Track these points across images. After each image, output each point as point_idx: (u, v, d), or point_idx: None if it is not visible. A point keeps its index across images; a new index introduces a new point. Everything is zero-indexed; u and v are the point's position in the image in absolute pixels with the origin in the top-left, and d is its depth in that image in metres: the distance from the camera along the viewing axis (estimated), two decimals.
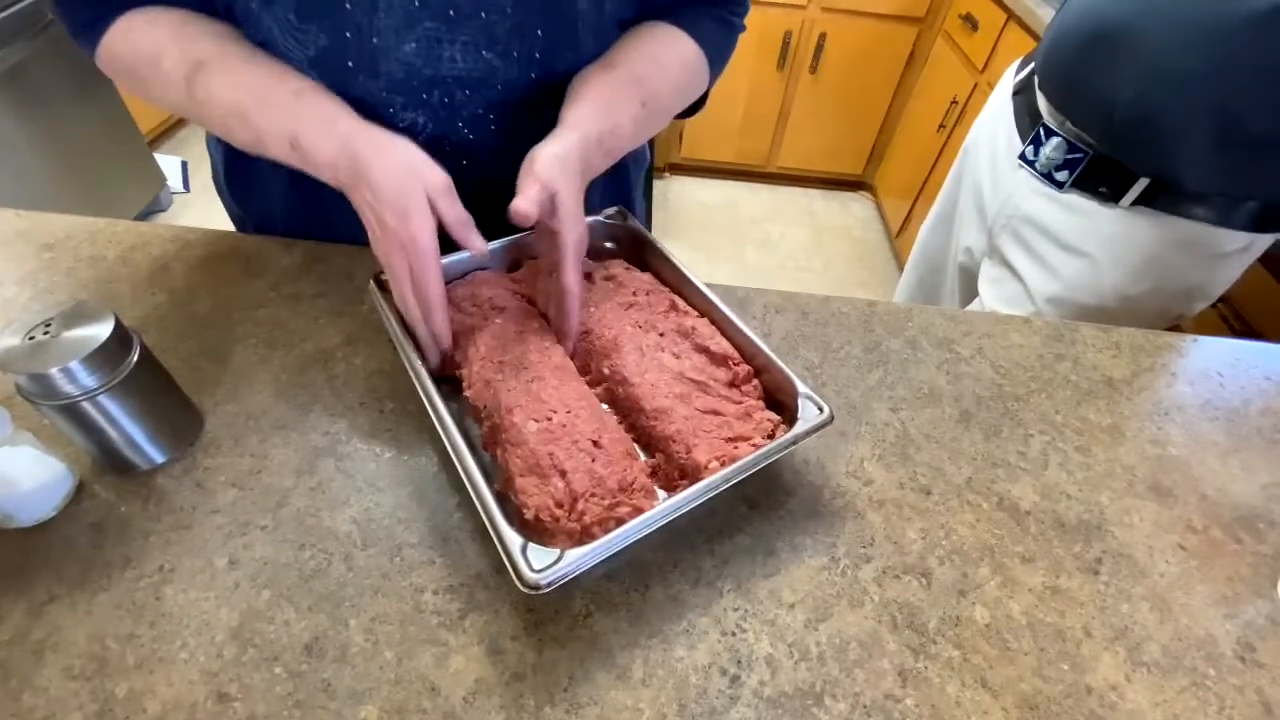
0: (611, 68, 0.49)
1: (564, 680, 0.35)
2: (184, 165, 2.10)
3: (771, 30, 1.94)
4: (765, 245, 2.16)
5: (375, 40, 0.44)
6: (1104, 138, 0.67)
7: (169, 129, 2.28)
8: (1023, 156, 0.75)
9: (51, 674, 0.34)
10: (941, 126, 1.78)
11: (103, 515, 0.40)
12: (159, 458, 0.42)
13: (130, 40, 0.45)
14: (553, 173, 0.41)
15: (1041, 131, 0.73)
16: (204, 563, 0.38)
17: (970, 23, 1.69)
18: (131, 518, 0.40)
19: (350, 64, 0.44)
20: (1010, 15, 1.49)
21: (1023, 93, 0.78)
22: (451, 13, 0.44)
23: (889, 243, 2.19)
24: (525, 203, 0.40)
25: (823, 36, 1.96)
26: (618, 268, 0.52)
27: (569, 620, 0.37)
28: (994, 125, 0.83)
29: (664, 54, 0.52)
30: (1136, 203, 0.67)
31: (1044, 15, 1.35)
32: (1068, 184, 0.71)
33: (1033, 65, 0.76)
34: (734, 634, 0.38)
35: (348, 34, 0.43)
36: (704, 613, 0.38)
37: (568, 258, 0.43)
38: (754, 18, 1.98)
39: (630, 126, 0.48)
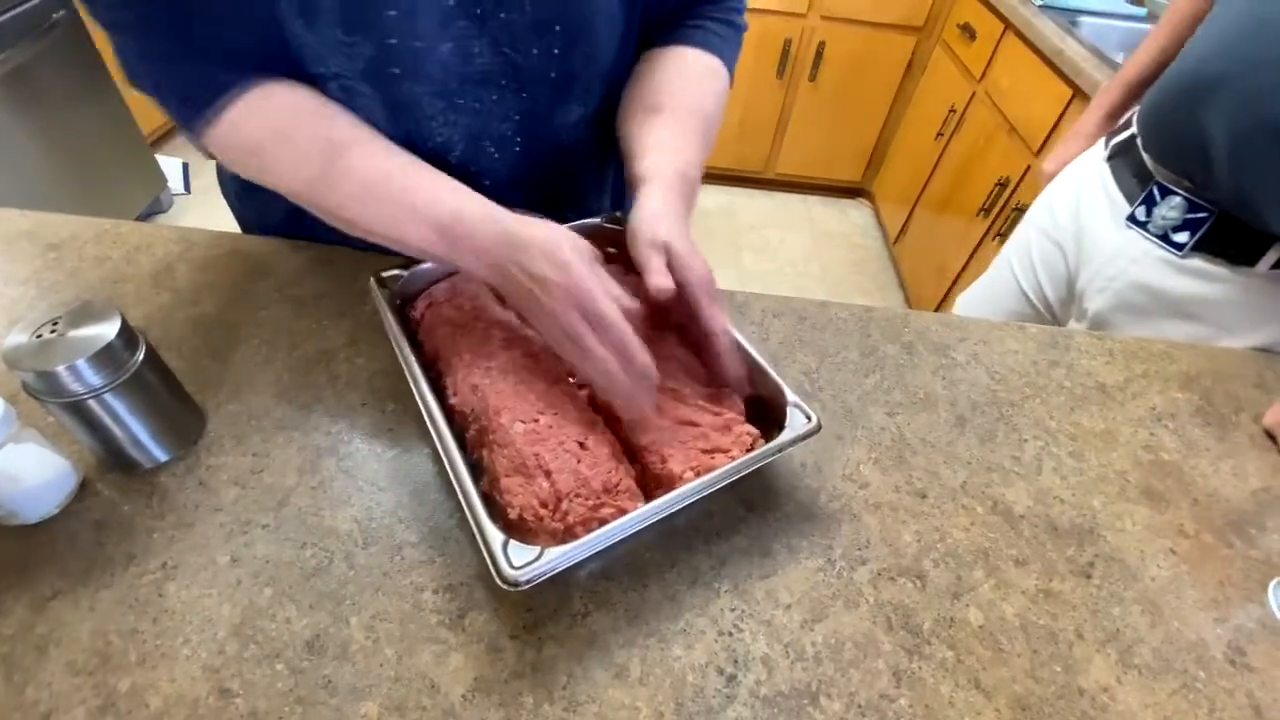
0: (658, 110, 0.51)
1: (562, 679, 0.35)
2: (185, 167, 2.10)
3: (771, 38, 1.96)
4: (763, 251, 2.17)
5: (417, 43, 0.44)
6: (1213, 194, 0.63)
7: (171, 131, 2.29)
8: (1132, 218, 0.70)
9: (55, 669, 0.34)
10: (939, 135, 1.79)
11: (106, 513, 0.40)
12: (162, 456, 0.43)
13: (264, 116, 0.44)
14: (659, 229, 0.42)
15: (1155, 190, 0.68)
16: (206, 560, 0.39)
17: (968, 32, 1.71)
18: (134, 515, 0.40)
19: (397, 70, 0.45)
20: (1008, 25, 1.51)
21: (1121, 155, 0.74)
22: (479, 11, 0.45)
23: (887, 249, 2.21)
24: (658, 277, 0.41)
25: (822, 44, 1.97)
26: (614, 273, 0.53)
27: (567, 619, 0.38)
28: (1075, 193, 0.79)
29: (693, 73, 0.55)
30: (1277, 266, 0.62)
31: (1041, 26, 1.36)
32: (1189, 246, 0.65)
33: (1131, 130, 0.73)
34: (731, 634, 0.38)
35: (393, 40, 0.44)
36: (701, 613, 0.39)
37: (701, 298, 0.42)
38: (754, 25, 2.00)
39: (698, 152, 0.51)
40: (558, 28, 0.48)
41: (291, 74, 0.45)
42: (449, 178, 0.45)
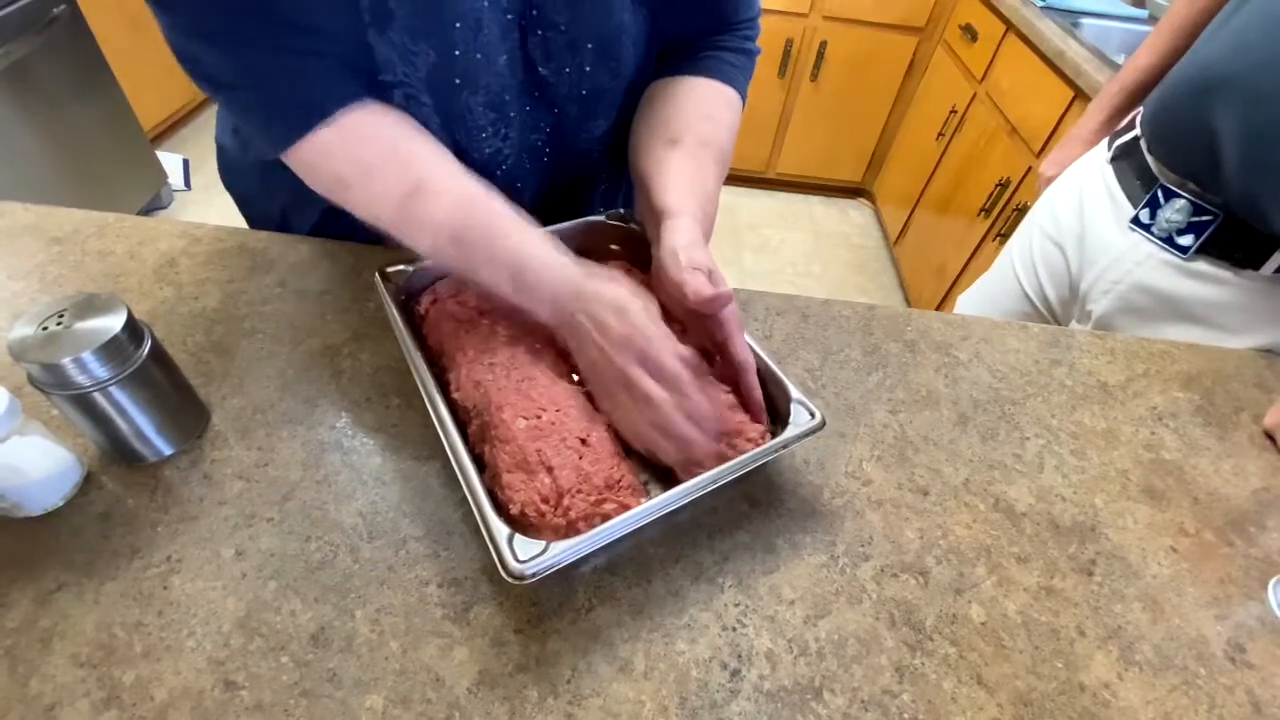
0: (677, 142, 0.51)
1: (567, 672, 0.35)
2: (186, 163, 2.10)
3: (773, 37, 1.96)
4: (764, 250, 2.17)
5: (479, 55, 0.45)
6: (1220, 196, 0.63)
7: (171, 126, 2.29)
8: (1136, 220, 0.70)
9: (59, 661, 0.34)
10: (940, 135, 1.79)
11: (110, 506, 0.40)
12: (166, 450, 0.43)
13: (350, 147, 0.43)
14: (698, 258, 0.44)
15: (1160, 193, 0.67)
16: (211, 553, 0.39)
17: (970, 33, 1.71)
18: (139, 508, 0.40)
19: (457, 80, 0.46)
20: (1010, 27, 1.51)
21: (1125, 158, 0.74)
22: (522, 23, 0.46)
23: (887, 249, 2.21)
24: (706, 287, 0.42)
25: (824, 44, 1.98)
26: (618, 270, 0.53)
27: (572, 613, 0.38)
28: (1078, 195, 0.78)
29: (711, 105, 0.55)
30: None
31: (1043, 28, 1.37)
32: (1193, 249, 0.66)
33: (1135, 132, 0.73)
34: (734, 629, 0.38)
35: (456, 51, 0.44)
36: (705, 608, 0.39)
37: (733, 330, 0.44)
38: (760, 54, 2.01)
39: (715, 185, 0.52)
40: (589, 46, 0.49)
41: (369, 85, 0.44)
42: (520, 218, 0.45)
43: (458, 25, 0.43)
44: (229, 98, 0.44)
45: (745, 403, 0.44)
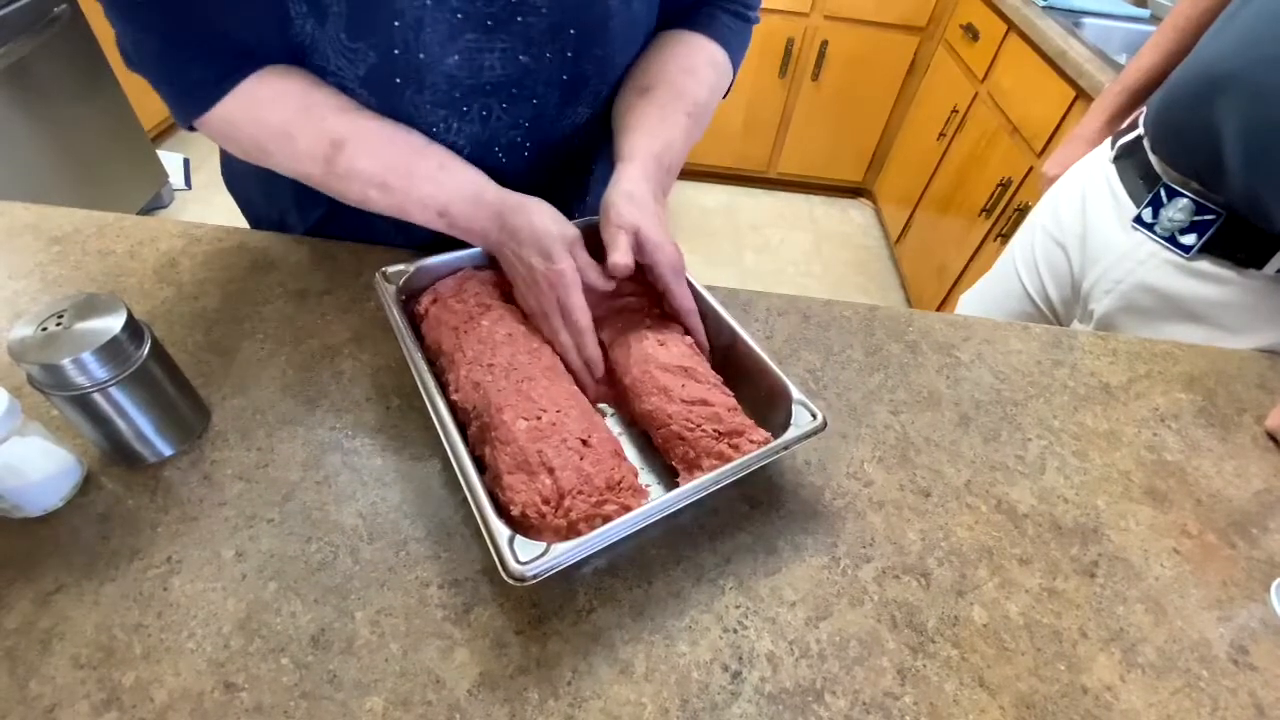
0: (649, 90, 0.52)
1: (567, 674, 0.35)
2: (186, 162, 2.10)
3: (774, 37, 1.95)
4: (765, 250, 2.17)
5: (422, 55, 0.45)
6: (1223, 195, 0.63)
7: (172, 125, 2.29)
8: (1139, 220, 0.70)
9: (59, 663, 0.34)
10: (941, 135, 1.79)
11: (110, 506, 0.40)
12: (166, 450, 0.43)
13: (255, 114, 0.45)
14: (629, 213, 0.45)
15: (1162, 192, 0.67)
16: (211, 554, 0.39)
17: (971, 33, 1.71)
18: (139, 509, 0.40)
19: (398, 80, 0.45)
20: (1011, 26, 1.51)
21: (1128, 157, 0.73)
22: (489, 22, 0.45)
23: (888, 249, 2.21)
24: (620, 255, 0.44)
25: (825, 44, 1.97)
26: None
27: (573, 615, 0.38)
28: (1081, 194, 0.78)
29: (693, 60, 0.55)
30: None
31: (1044, 27, 1.36)
32: (1195, 248, 0.65)
33: (1138, 132, 0.72)
34: (735, 631, 0.38)
35: (396, 50, 0.44)
36: (706, 609, 0.39)
37: (670, 280, 0.46)
38: (757, 25, 2.01)
39: (682, 137, 0.52)
40: (572, 31, 0.48)
41: (288, 63, 0.45)
42: (443, 155, 0.47)
43: (396, 24, 0.43)
44: (142, 75, 0.45)
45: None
